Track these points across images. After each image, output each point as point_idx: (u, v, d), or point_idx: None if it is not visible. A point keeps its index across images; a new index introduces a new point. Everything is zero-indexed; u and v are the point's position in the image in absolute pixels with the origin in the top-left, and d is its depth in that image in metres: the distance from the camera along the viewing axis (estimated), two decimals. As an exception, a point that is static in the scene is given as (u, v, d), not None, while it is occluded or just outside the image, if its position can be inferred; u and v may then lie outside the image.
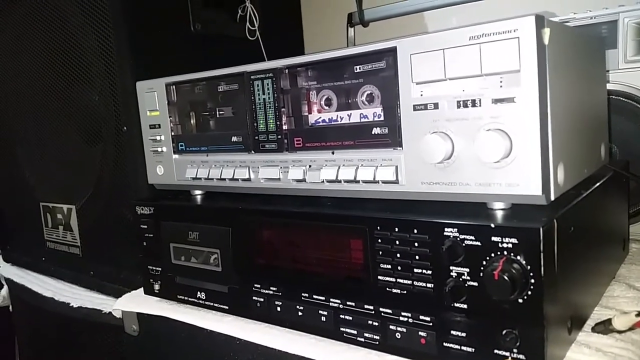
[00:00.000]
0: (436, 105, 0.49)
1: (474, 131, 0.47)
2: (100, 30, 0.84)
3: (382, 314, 0.52)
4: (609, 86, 0.80)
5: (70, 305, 0.95)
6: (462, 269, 0.46)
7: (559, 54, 0.47)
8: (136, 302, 0.77)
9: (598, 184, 0.59)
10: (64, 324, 0.99)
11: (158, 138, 0.73)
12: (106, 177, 0.90)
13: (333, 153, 0.57)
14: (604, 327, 0.53)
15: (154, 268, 0.74)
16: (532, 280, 0.43)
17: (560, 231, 0.45)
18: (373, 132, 0.54)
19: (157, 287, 0.74)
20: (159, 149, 0.73)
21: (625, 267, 0.72)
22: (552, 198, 0.46)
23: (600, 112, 0.66)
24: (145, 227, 0.73)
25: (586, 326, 0.55)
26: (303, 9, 1.18)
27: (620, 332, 0.53)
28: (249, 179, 0.64)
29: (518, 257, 0.43)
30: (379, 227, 0.51)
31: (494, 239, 0.45)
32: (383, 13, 1.09)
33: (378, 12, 1.09)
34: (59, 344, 1.07)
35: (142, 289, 0.77)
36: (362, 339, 0.54)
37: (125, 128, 0.84)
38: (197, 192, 0.73)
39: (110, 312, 0.86)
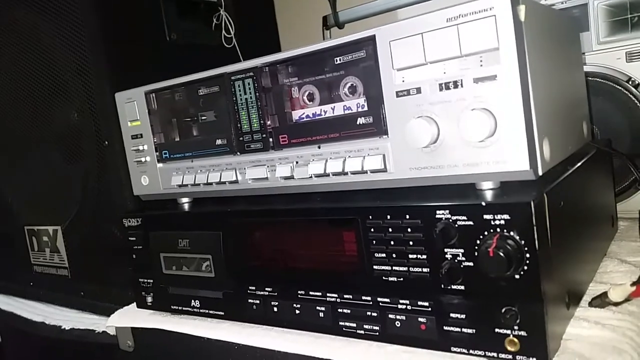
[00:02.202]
0: (419, 90, 0.49)
1: (458, 112, 0.47)
2: (76, 46, 0.83)
3: (380, 303, 0.52)
4: (585, 68, 0.81)
5: (62, 327, 0.93)
6: (457, 250, 0.46)
7: (535, 31, 0.48)
8: (129, 317, 0.75)
9: (583, 160, 0.60)
10: (56, 347, 0.97)
11: (141, 148, 0.72)
12: (90, 194, 0.88)
13: (319, 147, 0.57)
14: (601, 300, 0.54)
15: (146, 280, 0.73)
16: (527, 255, 0.43)
17: (550, 205, 0.45)
18: (358, 123, 0.54)
19: (149, 299, 0.73)
20: (143, 159, 0.72)
21: (615, 244, 0.73)
22: (540, 173, 0.46)
23: (579, 89, 0.66)
24: (134, 239, 0.72)
25: (583, 302, 0.56)
26: (278, 14, 1.19)
27: (616, 304, 0.53)
28: (236, 181, 0.63)
29: (511, 233, 0.43)
30: (370, 217, 0.51)
31: (486, 217, 0.45)
32: (357, 14, 1.10)
33: (352, 13, 1.10)
34: (53, 369, 1.04)
35: (134, 304, 0.76)
36: (362, 331, 0.53)
37: (106, 142, 0.83)
38: (184, 199, 0.73)
39: (103, 331, 0.84)
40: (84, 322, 0.92)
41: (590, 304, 0.54)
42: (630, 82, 0.79)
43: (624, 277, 0.61)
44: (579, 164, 0.58)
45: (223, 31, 1.00)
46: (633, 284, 0.51)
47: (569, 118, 0.59)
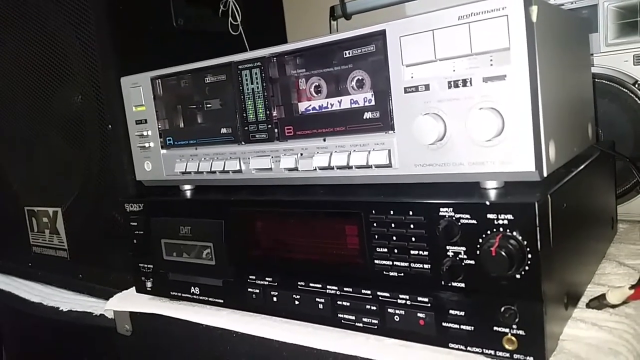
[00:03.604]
0: (427, 87, 0.49)
1: (465, 111, 0.47)
2: (82, 28, 0.83)
3: (380, 297, 0.52)
4: (592, 69, 0.81)
5: (60, 309, 0.94)
6: (459, 248, 0.47)
7: (546, 32, 0.47)
8: (128, 301, 0.76)
9: (587, 162, 0.60)
10: (54, 328, 0.98)
11: (145, 133, 0.72)
12: (92, 177, 0.88)
13: (325, 140, 0.57)
14: (599, 302, 0.54)
15: (146, 265, 0.73)
16: (529, 255, 0.43)
17: (554, 207, 0.45)
18: (364, 117, 0.54)
19: (149, 284, 0.73)
20: (147, 145, 0.72)
21: (614, 246, 0.73)
22: (545, 174, 0.46)
23: (586, 91, 0.66)
24: (135, 224, 0.72)
25: (581, 303, 0.56)
26: (285, 2, 1.18)
27: (614, 306, 0.54)
28: (239, 171, 0.64)
29: (514, 233, 0.44)
30: (374, 211, 0.51)
31: (489, 216, 0.45)
32: (365, 5, 1.09)
33: (360, 4, 1.10)
34: (50, 350, 1.05)
35: (133, 288, 0.76)
36: (361, 324, 0.54)
37: (110, 126, 0.82)
38: (187, 186, 0.73)
39: (101, 314, 0.85)
40: (82, 304, 0.93)
41: (588, 306, 0.55)
42: (636, 85, 0.79)
43: (622, 280, 0.61)
44: (582, 166, 0.58)
45: (230, 18, 0.99)
46: (631, 287, 0.51)
47: (575, 120, 0.59)
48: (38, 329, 1.05)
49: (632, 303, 0.54)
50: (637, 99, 0.80)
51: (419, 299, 0.50)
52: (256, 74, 0.60)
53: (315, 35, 0.56)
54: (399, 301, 0.51)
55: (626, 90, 0.81)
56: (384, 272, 0.51)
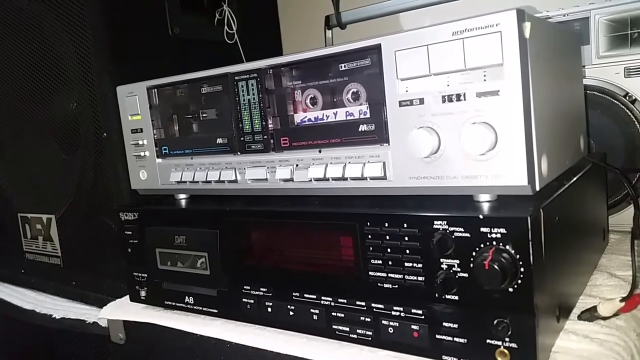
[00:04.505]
0: (422, 101, 0.49)
1: (459, 125, 0.47)
2: (78, 36, 0.83)
3: (374, 309, 0.52)
4: (584, 81, 0.82)
5: (53, 316, 0.94)
6: (452, 260, 0.47)
7: (539, 47, 0.48)
8: (122, 310, 0.75)
9: (579, 175, 0.61)
10: (46, 336, 0.97)
11: (140, 142, 0.72)
12: (86, 184, 0.88)
13: (320, 151, 0.57)
14: (590, 314, 0.55)
15: (140, 274, 0.73)
16: (522, 269, 0.44)
17: (546, 221, 0.46)
18: (360, 129, 0.54)
19: (143, 293, 0.73)
20: (142, 154, 0.72)
21: (605, 257, 0.74)
22: (537, 188, 0.47)
23: (578, 104, 0.67)
24: (130, 233, 0.72)
25: (572, 314, 0.57)
26: (280, 11, 1.19)
27: (605, 318, 0.54)
28: (235, 181, 0.64)
29: (507, 247, 0.44)
30: (368, 223, 0.52)
31: (482, 229, 0.45)
32: (360, 15, 1.10)
33: (355, 14, 1.10)
34: (42, 358, 1.04)
35: (127, 297, 0.76)
36: (355, 336, 0.54)
37: (105, 134, 0.83)
38: (182, 196, 0.73)
39: (94, 322, 0.85)
40: (75, 311, 0.92)
41: (580, 317, 0.55)
42: (627, 97, 0.80)
43: (613, 291, 0.62)
44: (574, 179, 0.58)
45: (225, 27, 1.00)
46: (622, 299, 0.52)
47: (567, 133, 0.60)
48: (30, 336, 1.04)
49: (623, 315, 0.54)
50: (628, 110, 0.81)
51: (413, 311, 0.50)
52: (252, 85, 0.60)
53: (309, 44, 0.57)
54: (393, 313, 0.51)
55: (617, 102, 0.81)
56: (378, 284, 0.52)
